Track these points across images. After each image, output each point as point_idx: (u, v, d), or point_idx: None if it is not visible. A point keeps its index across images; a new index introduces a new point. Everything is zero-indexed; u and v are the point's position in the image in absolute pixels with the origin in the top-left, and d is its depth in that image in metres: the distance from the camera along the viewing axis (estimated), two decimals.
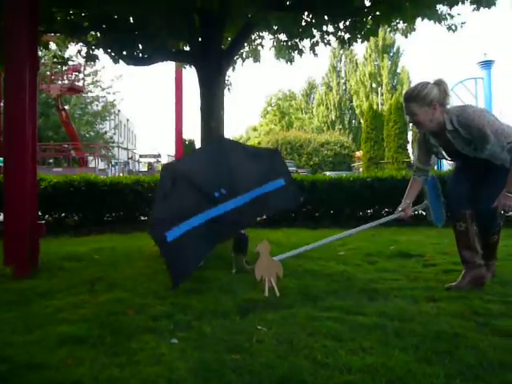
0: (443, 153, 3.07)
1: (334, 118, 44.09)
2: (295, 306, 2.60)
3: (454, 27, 5.56)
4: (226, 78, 6.48)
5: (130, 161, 33.35)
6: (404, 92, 2.98)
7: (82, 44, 5.67)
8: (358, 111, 41.85)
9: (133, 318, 2.49)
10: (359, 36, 5.51)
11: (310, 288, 3.00)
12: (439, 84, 2.87)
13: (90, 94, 28.33)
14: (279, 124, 43.24)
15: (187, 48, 5.90)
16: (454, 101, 21.83)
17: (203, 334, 2.25)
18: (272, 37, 6.25)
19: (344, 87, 45.91)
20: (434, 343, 2.03)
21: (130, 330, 2.32)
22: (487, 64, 20.49)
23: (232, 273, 3.53)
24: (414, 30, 5.87)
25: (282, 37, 6.13)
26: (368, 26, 5.39)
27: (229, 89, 6.89)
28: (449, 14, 5.37)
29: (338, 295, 2.83)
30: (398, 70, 42.04)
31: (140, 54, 5.32)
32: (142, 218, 7.62)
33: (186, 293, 2.94)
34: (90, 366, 1.90)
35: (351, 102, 44.32)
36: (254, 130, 47.60)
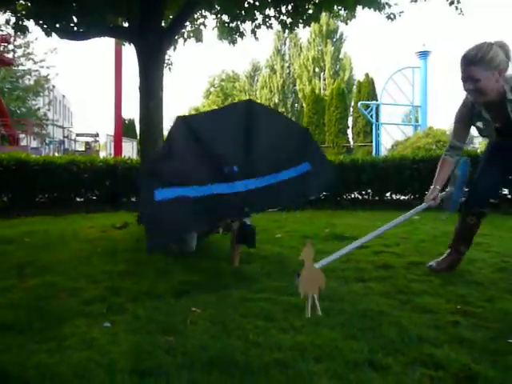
0: (490, 129, 2.75)
1: (277, 101, 44.34)
2: (229, 288, 2.64)
3: (392, 16, 5.73)
4: (167, 57, 6.34)
5: (65, 140, 31.87)
6: (463, 54, 2.55)
7: (10, 13, 5.31)
8: (300, 95, 42.33)
9: (64, 302, 2.43)
10: (301, 21, 5.55)
11: (244, 270, 3.05)
12: (503, 46, 2.51)
13: (21, 68, 26.68)
14: (222, 105, 42.94)
15: (126, 24, 5.68)
16: (392, 89, 22.62)
17: (137, 317, 2.24)
18: (215, 17, 6.16)
19: (288, 71, 46.17)
20: (361, 321, 2.14)
21: (61, 314, 2.26)
22: (424, 54, 21.36)
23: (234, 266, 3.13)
24: (355, 17, 5.99)
25: (225, 18, 6.06)
26: (310, 12, 5.44)
27: (170, 68, 6.74)
28: (387, 4, 5.52)
29: (271, 277, 2.90)
30: (341, 56, 42.83)
31: (75, 28, 5.06)
32: (78, 200, 7.36)
33: (120, 276, 2.91)
34: (16, 353, 1.84)
35: (294, 85, 44.72)
36: (197, 111, 46.93)
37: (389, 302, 2.43)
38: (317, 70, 43.47)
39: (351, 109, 31.00)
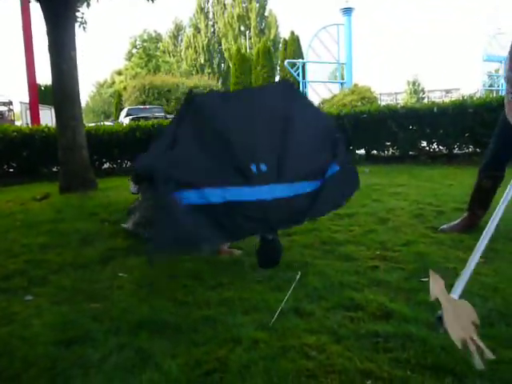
0: None
1: (203, 61, 43.32)
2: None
3: None
4: (80, 14, 5.92)
5: None
6: None
7: None
8: (226, 55, 41.61)
9: None
10: None
11: None
12: None
13: None
14: (146, 68, 41.18)
15: None
16: (318, 46, 22.78)
17: (61, 288, 2.16)
18: None
19: (213, 29, 45.00)
20: (286, 272, 2.22)
21: None
22: (348, 11, 21.56)
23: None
24: None
25: None
26: None
27: (84, 28, 6.31)
28: None
29: None
30: (266, 14, 42.29)
31: None
32: None
33: (41, 248, 2.78)
34: None
35: (220, 45, 43.79)
36: (119, 74, 44.74)
37: (313, 252, 2.53)
38: (242, 28, 42.74)
39: (278, 67, 31.01)
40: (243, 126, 2.31)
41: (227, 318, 1.77)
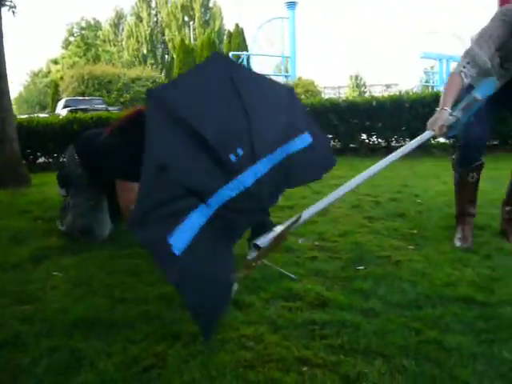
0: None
1: (145, 51, 42.28)
2: (93, 249, 2.54)
3: None
4: None
5: None
6: None
7: None
8: (170, 45, 40.84)
9: None
10: None
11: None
12: None
13: None
14: (84, 57, 39.59)
15: None
16: (261, 39, 22.83)
17: None
18: None
19: (155, 19, 43.96)
20: None
21: None
22: (292, 4, 21.78)
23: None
24: None
25: None
26: None
27: (13, 12, 5.96)
28: None
29: None
30: (211, 5, 41.86)
31: None
32: None
33: None
34: None
35: (163, 35, 42.90)
36: (55, 63, 42.75)
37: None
38: (186, 18, 42.09)
39: None
40: (207, 114, 1.99)
41: (166, 314, 1.76)
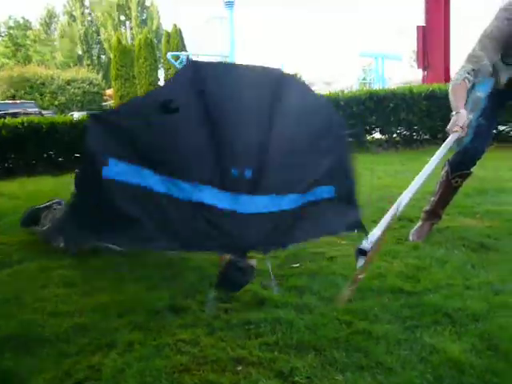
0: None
1: (80, 52, 40.82)
2: (25, 261, 2.45)
3: None
4: None
5: None
6: None
7: None
8: (106, 45, 39.67)
9: None
10: None
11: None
12: None
13: None
14: (14, 58, 37.64)
15: None
16: (199, 39, 22.69)
17: None
18: None
19: (90, 18, 42.53)
20: (163, 270, 2.22)
21: None
22: (230, 4, 21.81)
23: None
24: None
25: None
26: None
27: None
28: None
29: None
30: (147, 4, 41.04)
31: None
32: None
33: None
34: None
35: (99, 34, 41.60)
36: None
37: None
38: (122, 17, 41.06)
39: (161, 60, 30.36)
40: (232, 115, 1.77)
41: (101, 324, 1.74)
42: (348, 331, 1.66)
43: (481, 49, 2.31)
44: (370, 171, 5.04)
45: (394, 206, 1.86)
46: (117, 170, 1.50)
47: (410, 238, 2.65)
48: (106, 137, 1.52)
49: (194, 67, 1.75)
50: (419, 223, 2.74)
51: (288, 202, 1.83)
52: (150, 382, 1.40)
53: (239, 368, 1.46)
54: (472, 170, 2.65)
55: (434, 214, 2.75)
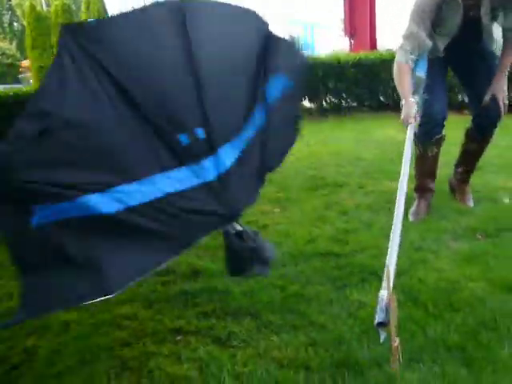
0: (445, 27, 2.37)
1: None
2: None
3: None
4: None
5: None
6: None
7: None
8: (19, 12, 36.66)
9: None
10: None
11: None
12: None
13: None
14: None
15: None
16: (123, 6, 21.70)
17: None
18: None
19: None
20: None
21: None
22: None
23: None
24: None
25: None
26: None
27: None
28: None
29: None
30: None
31: None
32: None
33: None
34: None
35: (9, 0, 38.29)
36: None
37: None
38: None
39: None
40: (143, 79, 1.43)
41: None
42: (282, 295, 1.74)
43: (416, 24, 2.29)
44: (300, 139, 5.14)
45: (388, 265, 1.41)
46: (46, 212, 1.22)
47: (410, 218, 2.52)
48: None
49: (71, 40, 1.34)
50: (415, 202, 2.63)
51: (245, 138, 1.61)
52: (88, 359, 1.40)
53: (178, 338, 1.49)
54: (443, 133, 2.53)
55: (423, 190, 2.64)
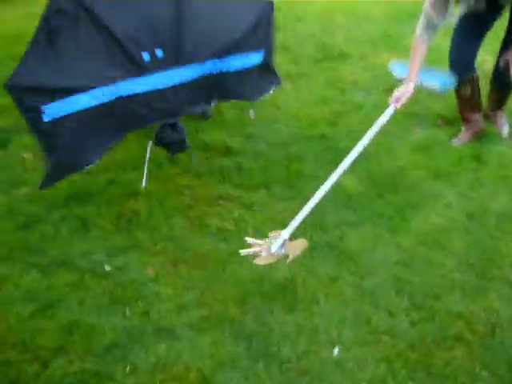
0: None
1: None
2: None
3: None
4: None
5: None
6: None
7: None
8: None
9: None
10: None
11: None
12: None
13: None
14: None
15: None
16: None
17: None
18: None
19: None
20: None
21: None
22: None
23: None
24: None
25: None
26: None
27: None
28: None
29: None
30: None
31: None
32: None
33: None
34: None
35: None
36: None
37: None
38: None
39: None
40: (128, 5, 2.05)
41: None
42: (286, 172, 2.55)
43: (429, 5, 2.18)
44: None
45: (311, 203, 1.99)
46: (52, 110, 1.85)
47: (452, 142, 2.81)
48: (29, 90, 1.84)
49: None
50: (462, 129, 2.86)
51: (207, 67, 2.17)
52: (171, 217, 2.28)
53: (220, 202, 2.37)
54: (474, 74, 2.67)
55: (467, 121, 2.82)
